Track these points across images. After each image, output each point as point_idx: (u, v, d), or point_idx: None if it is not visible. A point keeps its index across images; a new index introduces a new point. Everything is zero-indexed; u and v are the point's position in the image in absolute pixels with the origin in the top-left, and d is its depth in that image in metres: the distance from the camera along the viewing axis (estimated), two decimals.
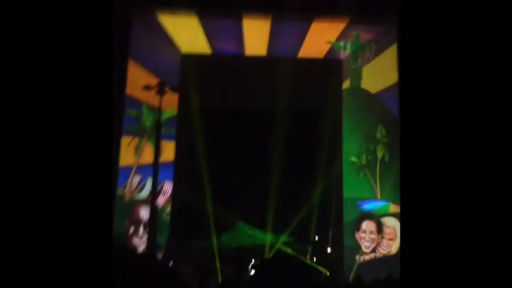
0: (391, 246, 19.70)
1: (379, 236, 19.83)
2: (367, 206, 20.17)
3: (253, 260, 17.85)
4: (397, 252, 19.49)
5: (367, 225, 19.96)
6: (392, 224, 19.76)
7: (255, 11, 19.95)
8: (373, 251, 19.83)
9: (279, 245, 20.37)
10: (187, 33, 20.86)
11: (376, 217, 19.96)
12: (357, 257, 19.79)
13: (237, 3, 19.12)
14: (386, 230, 19.83)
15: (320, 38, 21.18)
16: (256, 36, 20.89)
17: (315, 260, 20.19)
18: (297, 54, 21.57)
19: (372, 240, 19.85)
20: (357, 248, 19.83)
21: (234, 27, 20.68)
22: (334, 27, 21.16)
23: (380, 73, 21.00)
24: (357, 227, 19.99)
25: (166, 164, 19.78)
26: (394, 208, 19.83)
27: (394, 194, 19.90)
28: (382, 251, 19.73)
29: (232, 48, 21.49)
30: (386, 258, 19.45)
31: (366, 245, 19.87)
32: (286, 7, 18.48)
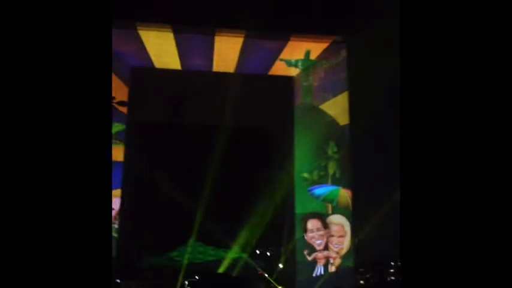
0: (343, 243, 19.72)
1: (327, 233, 19.76)
2: (318, 191, 20.11)
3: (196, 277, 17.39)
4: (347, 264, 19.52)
5: (312, 223, 19.92)
6: (339, 221, 19.86)
7: (229, 28, 19.31)
8: (326, 248, 19.71)
9: (229, 261, 19.92)
10: (160, 47, 20.21)
11: (318, 215, 19.90)
12: (305, 252, 19.68)
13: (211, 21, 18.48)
14: (334, 227, 19.85)
15: (293, 57, 20.96)
16: (226, 53, 20.40)
17: (267, 275, 19.85)
18: (267, 72, 21.45)
19: (321, 236, 19.78)
20: (310, 264, 19.61)
21: (206, 44, 20.03)
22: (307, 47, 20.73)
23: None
24: (304, 229, 19.88)
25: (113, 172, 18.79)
26: (344, 192, 19.99)
27: (346, 211, 19.95)
28: (335, 248, 19.65)
29: (202, 64, 21.07)
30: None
31: (317, 243, 19.80)
32: (259, 26, 18.13)
